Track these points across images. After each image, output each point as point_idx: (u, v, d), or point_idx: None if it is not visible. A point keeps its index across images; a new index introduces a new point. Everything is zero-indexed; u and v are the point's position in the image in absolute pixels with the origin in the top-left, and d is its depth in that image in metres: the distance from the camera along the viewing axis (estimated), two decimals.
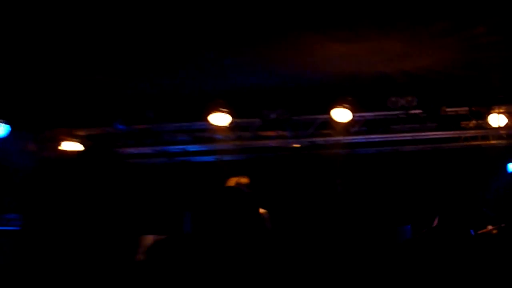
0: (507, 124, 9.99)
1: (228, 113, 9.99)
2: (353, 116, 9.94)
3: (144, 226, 10.25)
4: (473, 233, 8.73)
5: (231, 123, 10.17)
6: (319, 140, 10.59)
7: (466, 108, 10.17)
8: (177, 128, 10.69)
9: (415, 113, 10.11)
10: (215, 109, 9.97)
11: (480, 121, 10.25)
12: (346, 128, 10.31)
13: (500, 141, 10.51)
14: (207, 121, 10.08)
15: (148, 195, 10.92)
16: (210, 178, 10.42)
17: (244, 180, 7.70)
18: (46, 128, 10.54)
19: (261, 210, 6.92)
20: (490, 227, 8.78)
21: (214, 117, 10.02)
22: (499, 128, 10.05)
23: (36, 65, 8.84)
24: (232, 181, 7.70)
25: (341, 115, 9.93)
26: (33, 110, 10.08)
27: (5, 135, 9.82)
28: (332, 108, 9.91)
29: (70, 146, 10.55)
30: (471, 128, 10.36)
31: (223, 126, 10.16)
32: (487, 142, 10.57)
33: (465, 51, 8.56)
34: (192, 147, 10.81)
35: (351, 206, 10.59)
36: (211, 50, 8.52)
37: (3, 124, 9.80)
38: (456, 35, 8.11)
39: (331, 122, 10.19)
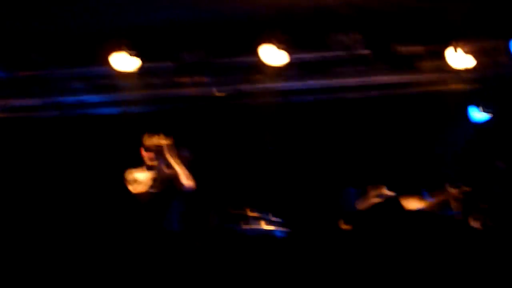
0: (469, 64, 9.86)
1: (134, 55, 9.72)
2: (287, 57, 9.74)
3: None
4: (426, 194, 8.77)
5: (138, 68, 9.91)
6: (246, 87, 10.39)
7: (422, 47, 10.04)
8: (71, 74, 10.35)
9: (361, 53, 9.99)
10: (119, 50, 9.71)
11: (438, 62, 10.10)
12: (279, 72, 10.09)
13: (461, 85, 10.41)
14: (109, 66, 9.82)
15: (37, 157, 10.69)
16: (114, 133, 10.24)
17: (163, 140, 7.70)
18: None
19: None
20: (449, 188, 8.80)
21: (118, 60, 9.75)
22: (460, 69, 9.94)
23: None
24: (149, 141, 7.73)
25: (273, 56, 9.74)
26: None
27: None
28: (261, 48, 9.72)
29: None
30: (427, 71, 10.24)
31: (129, 72, 9.89)
32: (446, 86, 10.45)
33: None
34: (90, 98, 10.55)
35: (284, 166, 10.40)
36: None
37: None
38: None
39: (260, 65, 9.96)
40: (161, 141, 7.73)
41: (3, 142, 10.71)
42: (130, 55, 9.68)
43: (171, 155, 7.61)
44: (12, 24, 9.38)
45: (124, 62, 9.77)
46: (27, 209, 10.44)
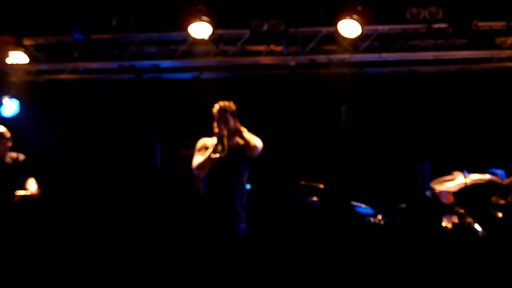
0: None
1: (209, 22, 9.72)
2: (364, 29, 9.68)
3: (103, 156, 10.25)
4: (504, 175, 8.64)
5: (213, 35, 9.95)
6: (321, 57, 10.35)
7: (503, 23, 9.93)
8: (147, 39, 10.47)
9: (439, 28, 9.94)
10: (194, 17, 9.70)
11: None
12: (355, 43, 10.10)
13: None
14: (185, 31, 9.86)
15: (110, 119, 10.85)
16: (186, 99, 10.34)
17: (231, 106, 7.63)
18: None
19: None
20: None
21: (193, 27, 9.76)
22: None
23: None
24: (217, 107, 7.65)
25: (349, 27, 9.67)
26: None
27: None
28: (338, 19, 9.63)
29: (18, 57, 10.48)
30: (507, 47, 10.09)
31: (204, 38, 9.94)
32: None
33: None
34: (164, 63, 10.61)
35: (358, 139, 10.27)
36: None
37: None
38: None
39: (336, 36, 9.94)
40: (230, 107, 7.73)
41: (80, 103, 10.89)
42: (206, 22, 9.70)
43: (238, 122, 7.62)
44: None
45: (199, 29, 9.77)
46: (101, 170, 10.61)
